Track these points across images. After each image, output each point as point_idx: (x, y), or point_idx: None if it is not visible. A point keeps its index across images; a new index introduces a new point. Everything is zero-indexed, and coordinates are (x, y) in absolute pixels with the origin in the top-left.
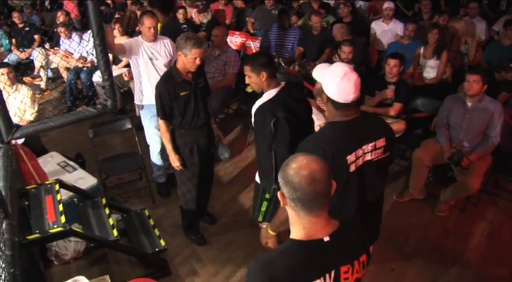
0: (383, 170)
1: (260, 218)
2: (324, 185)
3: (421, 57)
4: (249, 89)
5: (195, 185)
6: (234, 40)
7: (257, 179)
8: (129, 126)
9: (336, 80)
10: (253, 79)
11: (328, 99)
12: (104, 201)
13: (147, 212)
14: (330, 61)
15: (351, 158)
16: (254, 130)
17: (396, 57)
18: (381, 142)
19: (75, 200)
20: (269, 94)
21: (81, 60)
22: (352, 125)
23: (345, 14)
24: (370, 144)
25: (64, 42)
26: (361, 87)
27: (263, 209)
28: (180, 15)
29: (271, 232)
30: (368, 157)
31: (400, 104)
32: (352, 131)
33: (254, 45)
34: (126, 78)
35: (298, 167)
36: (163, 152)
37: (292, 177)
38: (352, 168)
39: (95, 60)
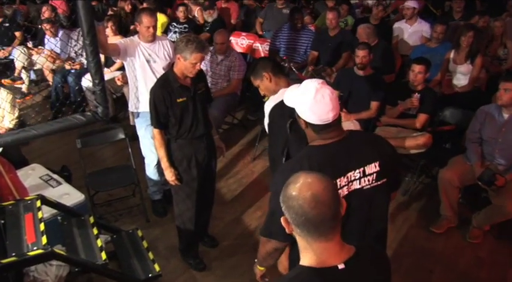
0: (379, 200)
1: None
2: (330, 206)
3: (450, 62)
4: (266, 99)
5: (194, 203)
6: (240, 42)
7: None
8: (122, 136)
9: (308, 101)
10: (260, 86)
11: (307, 124)
12: (91, 220)
13: (140, 233)
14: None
15: None
16: (268, 132)
17: (421, 62)
18: (371, 167)
19: (59, 218)
20: (282, 92)
21: (69, 62)
22: (334, 148)
23: (378, 16)
24: (358, 171)
25: (50, 41)
26: (339, 102)
27: None
28: (180, 13)
29: (259, 268)
30: (356, 185)
31: (425, 115)
32: (334, 155)
33: (262, 48)
34: (119, 83)
35: (299, 188)
36: (159, 165)
37: (294, 200)
38: None
39: (85, 61)
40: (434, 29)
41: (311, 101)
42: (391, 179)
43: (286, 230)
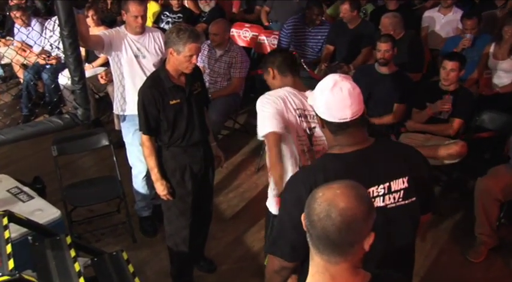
0: (406, 221)
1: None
2: (339, 231)
3: (490, 58)
4: None
5: (189, 221)
6: (243, 34)
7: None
8: (105, 142)
9: (324, 94)
10: (267, 80)
11: (323, 122)
12: (68, 240)
13: (125, 255)
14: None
15: None
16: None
17: (455, 58)
18: (399, 183)
19: (30, 238)
20: (282, 90)
21: (43, 56)
22: (355, 158)
23: None
24: (382, 186)
25: (20, 31)
26: (363, 99)
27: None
28: (173, 1)
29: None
30: (379, 203)
31: (459, 120)
32: (354, 167)
33: (269, 42)
34: (103, 81)
35: (326, 192)
36: (149, 176)
37: (312, 199)
38: None
39: (62, 55)
40: (463, 23)
41: (327, 94)
42: (422, 198)
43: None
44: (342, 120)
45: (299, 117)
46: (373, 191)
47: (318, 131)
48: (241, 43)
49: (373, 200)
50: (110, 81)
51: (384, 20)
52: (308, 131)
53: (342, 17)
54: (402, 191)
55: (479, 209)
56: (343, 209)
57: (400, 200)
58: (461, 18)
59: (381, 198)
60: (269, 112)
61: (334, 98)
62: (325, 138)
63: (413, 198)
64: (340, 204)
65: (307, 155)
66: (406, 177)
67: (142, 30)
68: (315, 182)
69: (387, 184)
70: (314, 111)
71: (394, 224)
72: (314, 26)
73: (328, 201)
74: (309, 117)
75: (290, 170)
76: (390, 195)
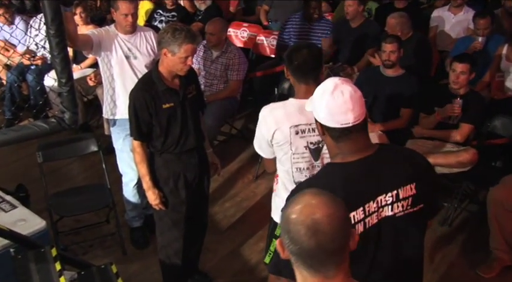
0: (414, 230)
1: (267, 259)
2: (334, 238)
3: (502, 60)
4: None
5: (182, 232)
6: (241, 34)
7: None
8: (94, 148)
9: (325, 98)
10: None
11: (323, 128)
12: (53, 252)
13: (114, 268)
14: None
15: (357, 215)
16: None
17: (465, 60)
18: (407, 190)
19: (12, 250)
20: (290, 103)
21: (28, 56)
22: (360, 167)
23: None
24: (390, 194)
25: (3, 29)
26: (368, 104)
27: (272, 248)
28: None
29: None
30: (387, 212)
31: (469, 125)
32: (360, 175)
33: (268, 42)
34: (91, 83)
35: (300, 211)
36: (140, 185)
37: (291, 224)
38: (360, 229)
39: (48, 56)
40: (475, 23)
41: (328, 97)
42: (428, 204)
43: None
44: (344, 125)
45: (296, 134)
46: (381, 200)
47: None
48: (238, 44)
49: (381, 209)
50: (100, 83)
51: (390, 20)
52: (311, 145)
53: (346, 14)
54: (410, 198)
55: (492, 221)
56: (327, 216)
57: (409, 207)
58: (473, 17)
59: (389, 207)
60: (260, 134)
61: (335, 101)
62: (327, 147)
63: (422, 205)
64: (322, 213)
65: (304, 172)
66: (414, 184)
67: (132, 29)
68: None
69: (395, 192)
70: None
71: (402, 233)
72: (313, 21)
73: (309, 216)
74: (312, 131)
75: (282, 189)
76: (399, 203)
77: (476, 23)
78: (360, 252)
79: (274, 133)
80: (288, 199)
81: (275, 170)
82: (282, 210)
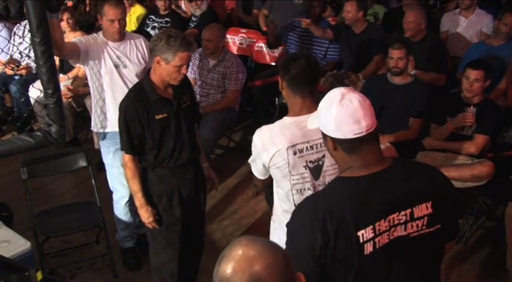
0: (430, 251)
1: None
2: None
3: None
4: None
5: (177, 253)
6: (239, 41)
7: None
8: (83, 163)
9: (333, 109)
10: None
11: (334, 142)
12: (39, 276)
13: None
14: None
15: (366, 233)
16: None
17: (479, 67)
18: (422, 209)
19: None
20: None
21: (12, 65)
22: (371, 182)
23: None
24: (403, 213)
25: None
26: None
27: None
28: (160, 3)
29: None
30: (400, 232)
31: (484, 136)
32: (373, 191)
33: (268, 49)
34: (67, 92)
35: (233, 267)
36: (132, 202)
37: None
38: (369, 248)
39: (33, 65)
40: (501, 20)
41: (336, 107)
42: (446, 225)
43: None
44: (356, 135)
45: (294, 154)
46: (393, 218)
47: (327, 161)
48: (236, 51)
49: (393, 228)
50: (88, 94)
51: (409, 16)
52: (310, 164)
53: (345, 19)
54: (426, 218)
55: (510, 238)
56: (266, 268)
57: (424, 227)
58: (499, 14)
59: (403, 226)
60: (252, 157)
61: (344, 111)
62: (337, 162)
63: (439, 225)
64: (260, 265)
65: (306, 193)
66: (430, 202)
67: (120, 36)
68: (329, 211)
69: (409, 210)
70: (322, 133)
71: (417, 255)
72: (316, 19)
73: (246, 271)
74: (310, 149)
75: (280, 212)
76: (413, 223)
77: (503, 19)
78: (369, 275)
79: (272, 157)
80: (293, 213)
81: (263, 188)
82: (216, 265)
